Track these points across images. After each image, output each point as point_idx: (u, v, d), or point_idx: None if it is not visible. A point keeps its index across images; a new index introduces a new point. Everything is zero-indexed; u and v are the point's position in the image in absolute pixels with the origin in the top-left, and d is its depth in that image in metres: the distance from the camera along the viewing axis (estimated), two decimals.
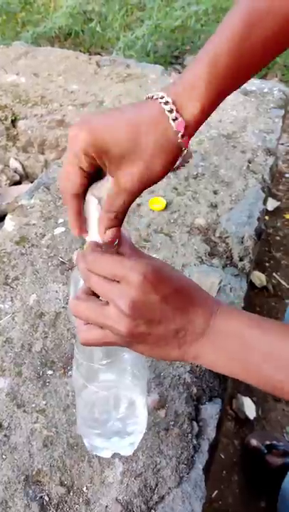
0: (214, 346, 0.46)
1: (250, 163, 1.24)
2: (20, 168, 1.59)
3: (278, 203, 2.27)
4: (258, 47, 0.46)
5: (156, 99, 0.44)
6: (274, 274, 1.97)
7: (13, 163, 1.59)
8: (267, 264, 2.01)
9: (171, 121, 0.44)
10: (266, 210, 2.19)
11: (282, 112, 1.48)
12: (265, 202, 1.17)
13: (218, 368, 0.47)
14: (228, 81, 0.46)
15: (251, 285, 1.87)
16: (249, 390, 1.54)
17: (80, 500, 0.61)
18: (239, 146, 1.29)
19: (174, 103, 0.44)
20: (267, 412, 1.50)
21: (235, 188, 1.15)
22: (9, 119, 1.52)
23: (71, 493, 0.62)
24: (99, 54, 2.83)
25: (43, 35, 3.06)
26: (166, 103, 0.44)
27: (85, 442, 0.65)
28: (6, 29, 3.23)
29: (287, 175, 2.46)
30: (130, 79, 1.65)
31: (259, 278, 1.91)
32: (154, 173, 0.46)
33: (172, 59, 3.13)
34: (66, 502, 0.61)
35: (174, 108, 0.44)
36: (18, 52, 1.83)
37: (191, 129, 0.45)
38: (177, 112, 0.44)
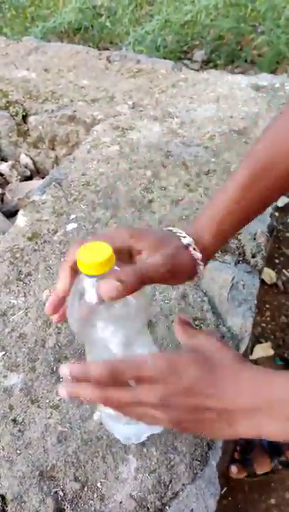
0: (270, 417, 0.44)
1: None
2: (31, 164, 1.59)
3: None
4: (258, 195, 0.58)
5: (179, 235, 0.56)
6: (284, 270, 1.96)
7: (24, 159, 1.59)
8: (277, 261, 2.00)
9: (192, 251, 0.55)
10: (276, 206, 2.18)
11: None
12: None
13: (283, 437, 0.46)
14: (234, 222, 0.59)
15: (261, 282, 1.86)
16: None
17: (95, 496, 0.62)
18: (250, 142, 1.28)
19: (193, 238, 0.56)
20: None
21: None
22: (20, 115, 1.52)
23: (86, 489, 0.62)
24: (108, 49, 2.83)
25: (52, 30, 3.05)
26: (185, 238, 0.56)
27: (117, 436, 0.66)
28: (15, 24, 3.22)
29: None
30: (141, 74, 1.65)
31: (269, 275, 1.90)
32: (170, 281, 0.56)
33: (182, 54, 3.12)
34: (81, 497, 0.61)
35: (193, 242, 0.56)
36: (29, 48, 1.83)
37: (205, 257, 0.57)
38: (195, 245, 0.56)
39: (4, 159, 1.63)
